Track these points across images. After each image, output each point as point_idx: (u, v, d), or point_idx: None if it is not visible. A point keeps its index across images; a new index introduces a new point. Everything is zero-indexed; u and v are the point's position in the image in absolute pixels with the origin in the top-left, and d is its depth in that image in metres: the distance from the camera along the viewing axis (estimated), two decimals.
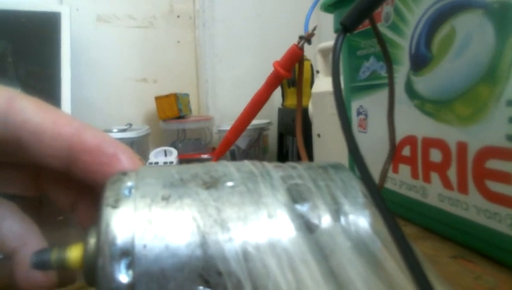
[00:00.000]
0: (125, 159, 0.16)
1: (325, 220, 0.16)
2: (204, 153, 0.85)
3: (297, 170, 0.18)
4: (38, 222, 0.17)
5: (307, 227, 0.15)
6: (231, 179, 0.16)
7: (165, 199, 0.15)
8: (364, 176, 0.16)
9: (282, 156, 0.89)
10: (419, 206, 0.30)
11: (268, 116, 0.91)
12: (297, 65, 0.34)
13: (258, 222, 0.15)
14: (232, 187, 0.16)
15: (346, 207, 0.16)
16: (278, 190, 0.16)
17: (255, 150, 0.87)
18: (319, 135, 0.62)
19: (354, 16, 0.19)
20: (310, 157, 0.62)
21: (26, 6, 0.76)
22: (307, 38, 0.33)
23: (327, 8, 0.37)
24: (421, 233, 0.30)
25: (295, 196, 0.16)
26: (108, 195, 0.15)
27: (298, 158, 0.79)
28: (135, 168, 0.16)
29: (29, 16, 0.75)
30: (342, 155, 0.47)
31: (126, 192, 0.15)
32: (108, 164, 0.16)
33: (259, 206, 0.15)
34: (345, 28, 0.19)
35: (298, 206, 0.16)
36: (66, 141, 0.15)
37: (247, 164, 0.18)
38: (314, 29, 0.33)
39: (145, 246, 0.14)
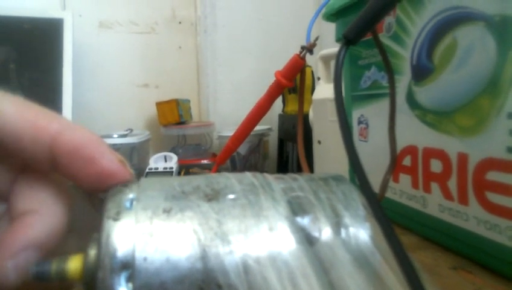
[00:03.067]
0: (105, 161, 0.15)
1: (326, 233, 0.16)
2: (204, 159, 0.85)
3: (298, 182, 0.18)
4: None
5: (308, 240, 0.16)
6: (232, 191, 0.16)
7: (167, 211, 0.15)
8: (365, 188, 0.16)
9: (282, 162, 0.89)
10: (419, 216, 0.30)
11: (268, 122, 0.91)
12: (299, 75, 0.34)
13: (258, 235, 0.15)
14: (233, 200, 0.16)
15: (347, 220, 0.16)
16: (278, 203, 0.16)
17: (255, 156, 0.87)
18: (319, 142, 0.62)
19: (357, 28, 0.19)
20: (310, 164, 0.62)
21: (30, 13, 0.76)
22: (309, 49, 0.33)
23: (329, 17, 0.37)
24: (421, 243, 0.30)
25: (296, 209, 0.16)
26: (110, 207, 0.15)
27: (298, 164, 0.79)
28: (115, 170, 0.16)
29: (33, 22, 0.75)
30: (342, 162, 0.46)
31: (127, 204, 0.15)
32: (86, 168, 0.15)
33: (260, 219, 0.15)
34: (347, 41, 0.19)
35: (299, 219, 0.16)
36: (45, 144, 0.14)
37: (248, 176, 0.18)
38: (317, 39, 0.33)
39: (145, 259, 0.14)
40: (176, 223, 0.15)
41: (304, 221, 0.16)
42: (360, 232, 0.16)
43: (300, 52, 0.34)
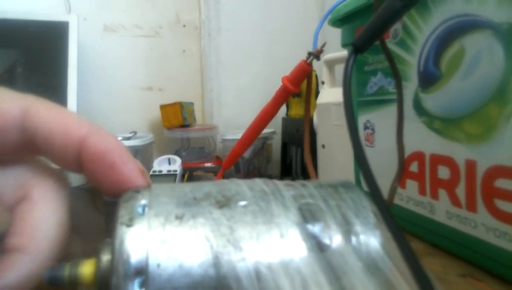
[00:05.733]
0: (126, 169, 0.16)
1: (336, 240, 0.16)
2: (208, 162, 0.85)
3: (308, 189, 0.18)
4: None
5: (319, 247, 0.16)
6: (243, 198, 0.16)
7: (179, 218, 0.15)
8: (376, 195, 0.16)
9: (286, 165, 0.89)
10: (427, 223, 0.30)
11: (272, 126, 0.91)
12: (305, 81, 0.34)
13: (270, 242, 0.15)
14: (244, 206, 0.16)
15: (358, 227, 0.16)
16: (289, 210, 0.16)
17: (259, 160, 0.87)
18: (323, 146, 0.62)
19: (365, 37, 0.19)
20: (314, 168, 0.62)
21: (36, 16, 0.77)
22: (316, 55, 0.33)
23: (335, 23, 0.38)
24: (428, 249, 0.30)
25: (307, 216, 0.16)
26: (123, 213, 0.15)
27: (302, 168, 0.79)
28: (135, 179, 0.16)
29: (39, 26, 0.76)
30: (346, 166, 0.46)
31: (140, 210, 0.15)
32: (108, 173, 0.16)
33: (272, 225, 0.15)
34: (356, 49, 0.19)
35: (310, 226, 0.16)
36: (73, 146, 0.15)
37: (258, 183, 0.18)
38: (324, 45, 0.33)
39: (159, 266, 0.14)
40: (188, 230, 0.15)
41: (315, 228, 0.16)
42: (371, 239, 0.16)
43: (307, 58, 0.34)
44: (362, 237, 0.16)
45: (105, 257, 0.15)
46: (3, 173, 0.15)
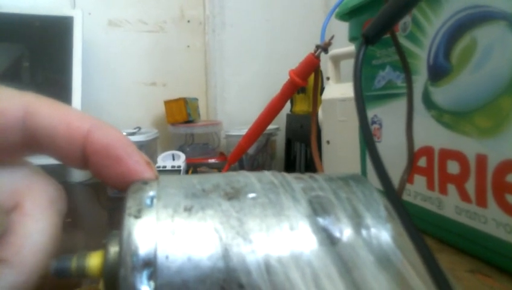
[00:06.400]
0: (131, 162, 0.16)
1: (347, 233, 0.16)
2: (212, 158, 0.85)
3: (317, 182, 0.18)
4: None
5: (329, 240, 0.15)
6: (253, 190, 0.16)
7: (188, 209, 0.15)
8: (387, 188, 0.16)
9: (290, 162, 0.89)
10: (435, 218, 0.30)
11: (276, 122, 0.91)
12: (313, 74, 0.34)
13: (280, 235, 0.15)
14: (253, 199, 0.16)
15: (368, 220, 0.16)
16: (299, 202, 0.16)
17: (263, 156, 0.86)
18: (328, 142, 0.61)
19: (376, 27, 0.19)
20: None
21: (40, 10, 0.77)
22: (324, 48, 0.32)
23: (343, 17, 0.37)
24: (436, 245, 0.30)
25: (317, 208, 0.16)
26: (131, 205, 0.15)
27: (306, 164, 0.78)
28: (141, 171, 0.16)
29: (43, 20, 0.76)
30: (351, 162, 0.46)
31: (148, 201, 0.15)
32: (113, 167, 0.16)
33: (281, 218, 0.15)
34: (367, 40, 0.19)
35: (320, 219, 0.16)
36: (78, 142, 0.15)
37: (267, 175, 0.17)
38: (332, 38, 0.32)
39: (167, 257, 0.13)
40: (197, 222, 0.14)
41: (325, 221, 0.16)
42: (382, 233, 0.16)
43: (315, 52, 0.33)
44: (373, 230, 0.16)
45: (113, 249, 0.15)
46: (0, 176, 0.15)
